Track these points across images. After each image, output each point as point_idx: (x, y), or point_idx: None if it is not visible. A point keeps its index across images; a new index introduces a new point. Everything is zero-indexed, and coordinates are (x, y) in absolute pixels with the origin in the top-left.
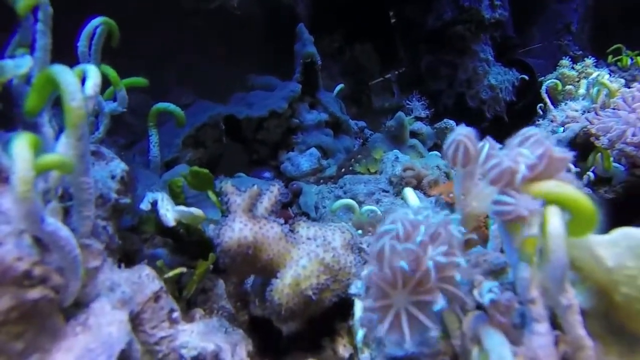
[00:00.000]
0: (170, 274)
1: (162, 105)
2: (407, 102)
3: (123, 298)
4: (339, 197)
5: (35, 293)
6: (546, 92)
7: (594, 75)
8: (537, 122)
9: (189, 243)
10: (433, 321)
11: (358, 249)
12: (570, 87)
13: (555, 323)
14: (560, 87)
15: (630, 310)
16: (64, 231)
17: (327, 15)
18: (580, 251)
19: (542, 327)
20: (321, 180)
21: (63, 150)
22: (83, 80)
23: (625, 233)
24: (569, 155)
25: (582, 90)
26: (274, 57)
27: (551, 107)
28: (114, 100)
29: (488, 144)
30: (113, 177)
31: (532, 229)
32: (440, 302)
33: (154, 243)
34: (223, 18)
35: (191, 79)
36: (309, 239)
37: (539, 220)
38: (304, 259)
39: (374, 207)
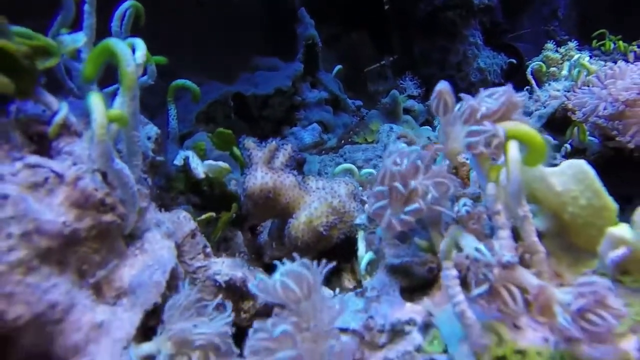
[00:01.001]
0: (203, 217)
1: (180, 81)
2: (401, 82)
3: (168, 232)
4: (339, 164)
5: (108, 217)
6: (531, 74)
7: (575, 57)
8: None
9: (212, 199)
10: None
11: (360, 199)
12: (554, 69)
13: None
14: (544, 69)
15: (576, 226)
16: (127, 170)
17: (323, 4)
18: (538, 184)
19: (505, 233)
20: (323, 152)
21: (119, 108)
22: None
23: (570, 163)
24: (524, 97)
25: (564, 72)
26: (273, 43)
27: (536, 87)
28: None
29: (464, 99)
30: (149, 139)
31: (497, 159)
32: (422, 206)
33: (181, 201)
34: (226, 7)
35: (199, 63)
36: (318, 188)
37: (501, 153)
38: (316, 203)
39: (372, 170)
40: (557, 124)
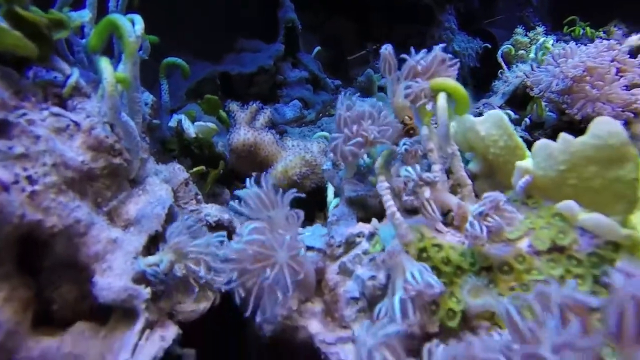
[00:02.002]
0: (195, 169)
1: (171, 59)
2: (376, 62)
3: (165, 179)
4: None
5: (117, 160)
6: (502, 57)
7: (541, 41)
8: (494, 84)
9: (202, 159)
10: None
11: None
12: (522, 51)
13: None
14: (513, 52)
15: (498, 164)
16: (132, 122)
17: None
18: (470, 132)
19: (437, 167)
20: (303, 125)
21: (122, 72)
22: None
23: (490, 113)
24: (448, 56)
25: (531, 55)
26: (257, 27)
27: (505, 69)
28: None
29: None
30: (146, 104)
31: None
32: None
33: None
34: None
35: (187, 45)
36: (293, 146)
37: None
38: (291, 156)
39: None
40: (518, 100)
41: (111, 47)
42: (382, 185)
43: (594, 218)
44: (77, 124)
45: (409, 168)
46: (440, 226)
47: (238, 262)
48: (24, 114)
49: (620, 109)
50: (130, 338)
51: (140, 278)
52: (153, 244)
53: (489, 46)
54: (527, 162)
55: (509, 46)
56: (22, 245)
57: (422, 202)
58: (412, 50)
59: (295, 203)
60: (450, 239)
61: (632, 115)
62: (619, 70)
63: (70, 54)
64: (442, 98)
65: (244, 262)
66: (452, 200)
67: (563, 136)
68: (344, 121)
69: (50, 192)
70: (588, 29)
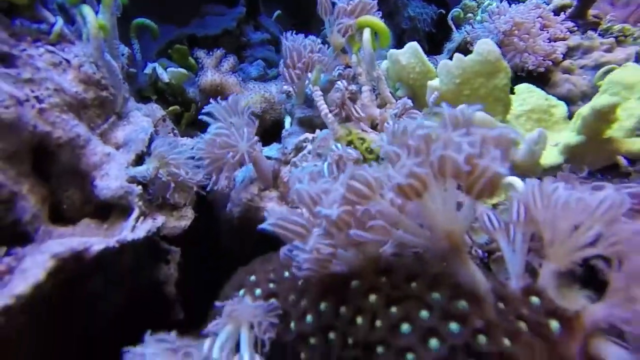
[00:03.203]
0: (170, 109)
1: (141, 20)
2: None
3: (145, 113)
4: None
5: (104, 93)
6: (452, 20)
7: (485, 4)
8: (444, 45)
9: (175, 104)
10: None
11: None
12: (470, 14)
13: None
14: (462, 15)
15: (417, 88)
16: (114, 62)
17: None
18: (396, 64)
19: (366, 87)
20: (266, 81)
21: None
22: None
23: (408, 44)
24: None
25: (478, 17)
26: None
27: (455, 31)
28: None
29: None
30: (123, 55)
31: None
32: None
33: None
34: None
35: (154, 11)
36: (254, 87)
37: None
38: (252, 94)
39: None
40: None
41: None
42: (317, 94)
43: (479, 115)
44: (68, 61)
45: (339, 82)
46: (365, 127)
47: (208, 148)
48: (24, 50)
49: (542, 59)
50: (128, 223)
51: (132, 180)
52: (139, 162)
53: (443, 12)
54: (435, 81)
55: (459, 10)
56: (35, 153)
57: (350, 108)
58: None
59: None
60: (373, 136)
61: (551, 63)
62: (543, 26)
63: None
64: (366, 32)
65: (213, 148)
66: (377, 111)
67: (457, 55)
68: (290, 53)
69: (55, 110)
70: None
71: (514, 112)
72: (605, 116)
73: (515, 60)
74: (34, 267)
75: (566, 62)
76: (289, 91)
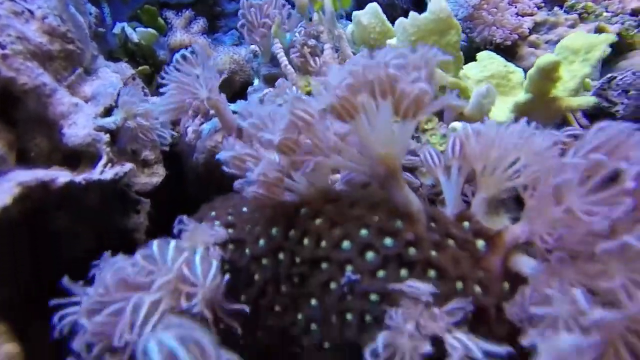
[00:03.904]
0: (140, 68)
1: None
2: None
3: (115, 71)
4: None
5: (70, 46)
6: None
7: None
8: None
9: (145, 64)
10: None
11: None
12: None
13: None
14: None
15: (379, 47)
16: (79, 16)
17: None
18: (359, 25)
19: (327, 45)
20: None
21: None
22: None
23: (368, 5)
24: None
25: None
26: None
27: None
28: None
29: None
30: (91, 14)
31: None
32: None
33: None
34: None
35: None
36: (224, 49)
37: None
38: (221, 55)
39: None
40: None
41: None
42: (277, 46)
43: (438, 72)
44: (30, 11)
45: (296, 33)
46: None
47: (172, 90)
48: None
49: (509, 32)
50: (97, 169)
51: (101, 129)
52: (107, 116)
53: None
54: (393, 40)
55: None
56: (1, 99)
57: (309, 60)
58: None
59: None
60: None
61: (517, 37)
62: (512, 1)
63: None
64: None
65: (177, 92)
66: (331, 60)
67: (411, 14)
68: (246, 7)
69: (19, 57)
70: None
71: (475, 77)
72: (548, 74)
73: (483, 33)
74: (0, 193)
75: (532, 37)
76: (256, 51)
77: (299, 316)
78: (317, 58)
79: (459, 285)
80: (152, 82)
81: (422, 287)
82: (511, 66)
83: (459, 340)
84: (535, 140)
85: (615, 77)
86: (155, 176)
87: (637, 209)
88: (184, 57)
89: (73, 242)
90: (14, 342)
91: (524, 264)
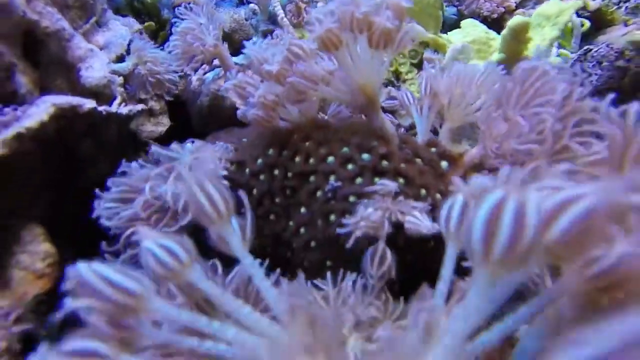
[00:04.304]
0: (145, 24)
1: None
2: None
3: (123, 24)
4: None
5: None
6: None
7: None
8: None
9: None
10: None
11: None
12: None
13: None
14: None
15: None
16: None
17: None
18: None
19: (321, 4)
20: None
21: None
22: None
23: None
24: None
25: None
26: None
27: None
28: None
29: None
30: None
31: None
32: None
33: None
34: None
35: None
36: (224, 9)
37: None
38: (222, 15)
39: None
40: None
41: None
42: (274, 1)
43: (416, 27)
44: None
45: None
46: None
47: (180, 39)
48: None
49: (496, 5)
50: (113, 106)
51: (114, 73)
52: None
53: None
54: None
55: None
56: (26, 41)
57: (303, 13)
58: None
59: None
60: None
61: (504, 10)
62: None
63: None
64: None
65: (184, 38)
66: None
67: None
68: None
69: (41, 2)
70: None
71: (458, 42)
72: (518, 35)
73: (472, 6)
74: (38, 111)
75: (519, 11)
76: (255, 9)
77: (290, 223)
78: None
79: (423, 192)
80: (156, 39)
81: (391, 184)
82: (492, 33)
83: (415, 217)
84: (493, 78)
85: (591, 50)
86: (160, 125)
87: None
88: (188, 7)
89: (93, 169)
90: (50, 242)
91: (476, 180)
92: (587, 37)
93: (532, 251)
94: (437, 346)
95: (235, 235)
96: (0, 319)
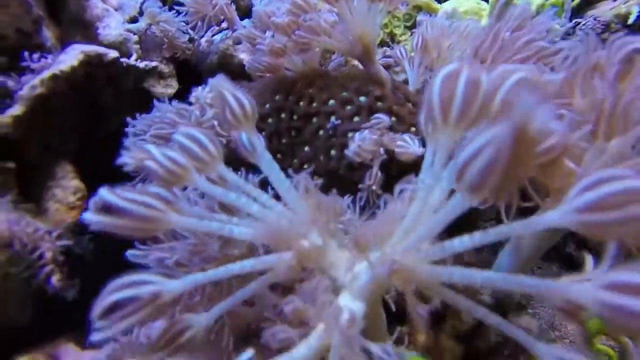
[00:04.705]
0: None
1: None
2: None
3: None
4: None
5: None
6: None
7: None
8: None
9: None
10: None
11: None
12: None
13: None
14: None
15: None
16: None
17: None
18: None
19: None
20: None
21: None
22: None
23: None
24: None
25: None
26: None
27: None
28: None
29: None
30: None
31: None
32: None
33: None
34: None
35: None
36: None
37: None
38: None
39: None
40: None
41: None
42: None
43: None
44: None
45: None
46: None
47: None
48: None
49: None
50: (130, 60)
51: (129, 32)
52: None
53: None
54: None
55: None
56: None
57: None
58: None
59: None
60: None
61: None
62: None
63: None
64: None
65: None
66: None
67: None
68: None
69: None
70: None
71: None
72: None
73: None
74: (69, 57)
75: None
76: None
77: (295, 160)
78: None
79: (412, 129)
80: (166, 2)
81: (385, 117)
82: (483, 4)
83: (404, 141)
84: (479, 33)
85: (580, 22)
86: (169, 88)
87: None
88: None
89: (114, 119)
90: (79, 180)
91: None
92: (579, 12)
93: (484, 113)
94: (413, 203)
95: (258, 138)
96: (45, 235)
